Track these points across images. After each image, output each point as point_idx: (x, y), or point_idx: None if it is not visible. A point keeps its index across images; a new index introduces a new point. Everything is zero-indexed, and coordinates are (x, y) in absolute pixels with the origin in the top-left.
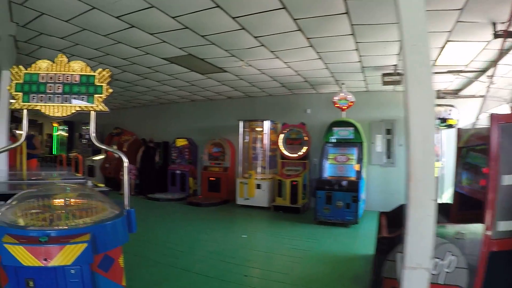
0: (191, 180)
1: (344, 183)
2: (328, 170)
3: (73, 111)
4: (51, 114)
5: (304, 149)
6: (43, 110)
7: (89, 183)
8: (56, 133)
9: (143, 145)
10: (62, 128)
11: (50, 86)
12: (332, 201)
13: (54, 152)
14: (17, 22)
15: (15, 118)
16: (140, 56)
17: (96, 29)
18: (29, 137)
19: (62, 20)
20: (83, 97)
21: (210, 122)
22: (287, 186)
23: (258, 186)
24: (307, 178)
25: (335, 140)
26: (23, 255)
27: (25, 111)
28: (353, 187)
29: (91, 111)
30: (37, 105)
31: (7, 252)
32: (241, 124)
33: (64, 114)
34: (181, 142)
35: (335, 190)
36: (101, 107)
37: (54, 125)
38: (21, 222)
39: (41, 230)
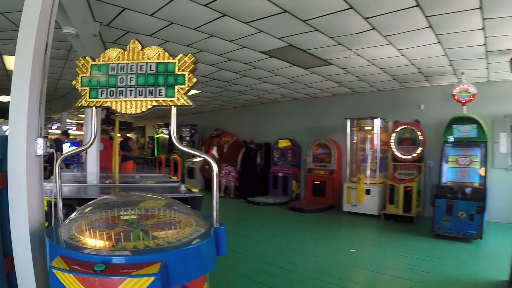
0: (294, 183)
1: (468, 190)
2: (448, 174)
3: (149, 107)
4: (123, 111)
5: (419, 150)
6: (114, 107)
7: (183, 187)
8: (157, 135)
9: (244, 147)
10: (163, 130)
11: (122, 78)
12: (454, 212)
13: (156, 154)
14: (100, 21)
15: (111, 121)
16: (236, 51)
17: (184, 22)
18: (125, 140)
19: (146, 14)
20: (161, 90)
21: (314, 122)
22: (400, 192)
23: (367, 192)
24: (421, 183)
25: (453, 139)
26: (74, 286)
27: (93, 110)
28: (479, 195)
29: (172, 106)
30: (106, 101)
31: (56, 279)
32: (348, 122)
33: (139, 111)
34: (283, 143)
35: (458, 198)
36: (183, 100)
37: (155, 127)
38: (82, 239)
39: (99, 255)
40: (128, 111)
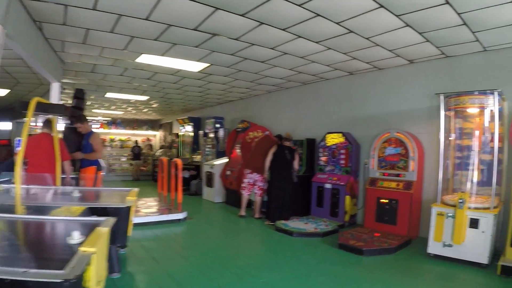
0: (348, 200)
1: None
2: None
3: None
4: None
5: None
6: None
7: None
8: (181, 133)
9: (275, 145)
10: (187, 125)
11: None
12: None
13: (180, 154)
14: None
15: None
16: None
17: None
18: (87, 135)
19: None
20: None
21: (380, 106)
22: None
23: (473, 223)
24: None
25: None
26: None
27: None
28: None
29: None
30: None
31: None
32: (441, 101)
33: None
34: (333, 139)
35: None
36: None
37: (180, 122)
38: None
39: None
40: None
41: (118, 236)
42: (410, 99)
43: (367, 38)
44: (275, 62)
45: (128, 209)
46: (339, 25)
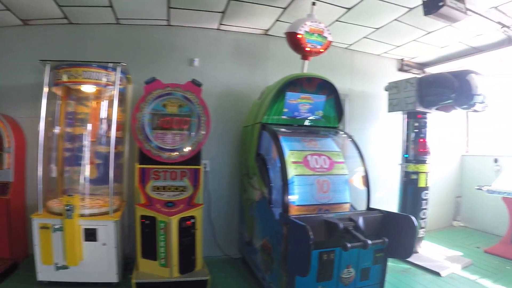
0: None
1: (360, 222)
2: (296, 189)
3: None
4: None
5: (200, 139)
6: None
7: None
8: None
9: None
10: None
11: None
12: (334, 270)
13: None
14: None
15: None
16: None
17: None
18: None
19: None
20: None
21: None
22: (171, 232)
23: (90, 235)
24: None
25: (285, 121)
26: None
27: None
28: (376, 227)
29: None
30: None
31: None
32: (47, 72)
33: None
34: None
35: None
36: None
37: None
38: None
39: None
40: None
41: None
42: (19, 72)
43: None
44: None
45: None
46: None
